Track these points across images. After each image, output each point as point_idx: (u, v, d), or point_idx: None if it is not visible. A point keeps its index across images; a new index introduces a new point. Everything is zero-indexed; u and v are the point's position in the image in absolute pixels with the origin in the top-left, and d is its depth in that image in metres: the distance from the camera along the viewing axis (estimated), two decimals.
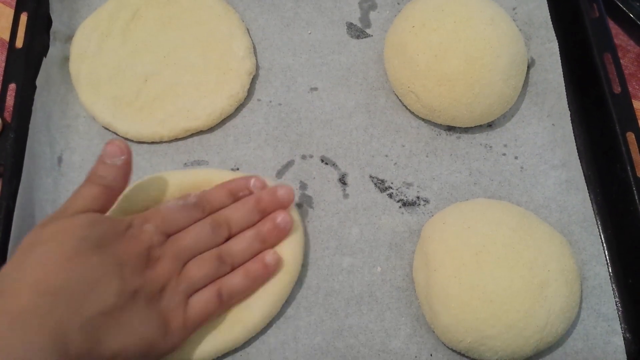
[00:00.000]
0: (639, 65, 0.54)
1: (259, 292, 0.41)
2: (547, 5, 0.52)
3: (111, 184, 0.37)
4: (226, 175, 0.44)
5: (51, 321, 0.31)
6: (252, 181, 0.42)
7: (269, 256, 0.40)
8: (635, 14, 0.53)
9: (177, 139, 0.48)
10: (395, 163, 0.48)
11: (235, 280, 0.39)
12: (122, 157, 0.38)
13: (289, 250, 0.42)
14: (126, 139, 0.48)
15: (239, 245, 0.40)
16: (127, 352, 0.33)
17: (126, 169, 0.38)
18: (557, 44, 0.50)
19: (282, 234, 0.41)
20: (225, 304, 0.39)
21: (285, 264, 0.42)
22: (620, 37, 0.55)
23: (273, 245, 0.42)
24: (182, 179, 0.44)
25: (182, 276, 0.38)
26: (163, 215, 0.39)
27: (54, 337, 0.30)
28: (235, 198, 0.42)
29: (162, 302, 0.36)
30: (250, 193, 0.42)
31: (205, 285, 0.39)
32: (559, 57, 0.50)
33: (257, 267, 0.40)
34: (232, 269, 0.40)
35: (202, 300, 0.38)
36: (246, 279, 0.40)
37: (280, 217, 0.41)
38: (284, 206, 0.42)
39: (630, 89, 0.47)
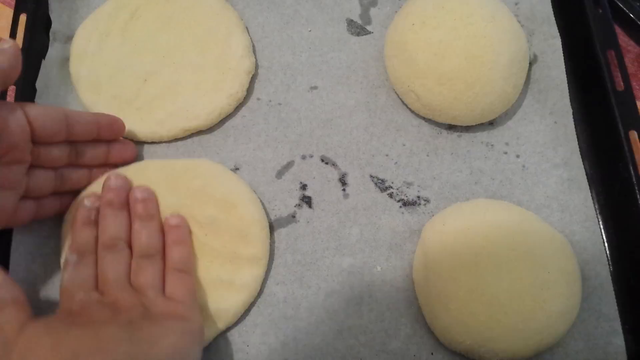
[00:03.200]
0: (639, 65, 0.53)
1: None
2: (550, 0, 0.51)
3: None
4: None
5: None
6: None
7: None
8: (636, 14, 0.52)
9: (176, 139, 0.48)
10: (396, 162, 0.47)
11: None
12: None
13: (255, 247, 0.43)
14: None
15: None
16: None
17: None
18: (560, 40, 0.49)
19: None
20: None
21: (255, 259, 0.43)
22: (620, 37, 0.55)
23: None
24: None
25: None
26: None
27: None
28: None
29: None
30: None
31: None
32: (562, 54, 0.49)
33: None
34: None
35: None
36: None
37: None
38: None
39: None
